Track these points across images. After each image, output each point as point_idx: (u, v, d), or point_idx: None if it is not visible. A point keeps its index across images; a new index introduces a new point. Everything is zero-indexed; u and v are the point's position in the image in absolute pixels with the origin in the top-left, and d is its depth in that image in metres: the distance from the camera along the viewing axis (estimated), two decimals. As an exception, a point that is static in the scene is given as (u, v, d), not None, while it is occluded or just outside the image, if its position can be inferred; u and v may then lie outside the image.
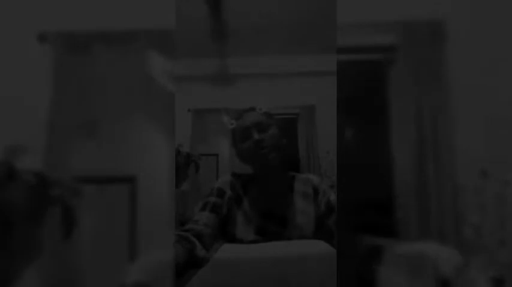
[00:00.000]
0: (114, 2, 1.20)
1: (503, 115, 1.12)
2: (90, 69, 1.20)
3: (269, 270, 0.62)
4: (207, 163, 2.87)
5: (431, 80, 1.17)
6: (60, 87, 1.19)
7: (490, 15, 1.16)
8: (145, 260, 0.68)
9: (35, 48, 1.18)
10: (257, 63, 3.05)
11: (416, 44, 1.19)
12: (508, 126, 1.11)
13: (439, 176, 1.13)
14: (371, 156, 1.35)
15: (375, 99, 1.29)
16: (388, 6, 1.19)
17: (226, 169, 2.85)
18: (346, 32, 1.19)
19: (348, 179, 1.11)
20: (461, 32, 1.16)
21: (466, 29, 1.15)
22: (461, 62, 1.15)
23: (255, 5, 2.37)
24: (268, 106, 1.07)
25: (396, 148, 1.18)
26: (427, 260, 0.75)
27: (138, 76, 1.20)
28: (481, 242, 1.07)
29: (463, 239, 1.08)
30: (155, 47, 1.20)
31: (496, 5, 1.16)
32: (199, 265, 0.67)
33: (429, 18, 1.19)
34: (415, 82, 1.18)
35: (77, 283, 1.06)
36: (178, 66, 1.47)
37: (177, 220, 2.08)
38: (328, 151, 2.87)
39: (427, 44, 1.19)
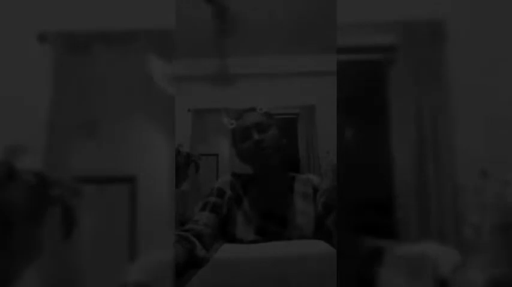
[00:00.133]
0: (114, 2, 1.20)
1: (503, 115, 1.12)
2: (90, 69, 1.20)
3: (269, 270, 0.62)
4: (207, 163, 2.87)
5: (431, 80, 1.17)
6: (60, 87, 1.19)
7: (490, 15, 1.16)
8: (145, 260, 0.68)
9: (35, 48, 1.18)
10: (257, 63, 3.05)
11: (416, 44, 1.19)
12: (508, 126, 1.11)
13: (439, 176, 1.13)
14: (371, 156, 1.35)
15: (375, 99, 1.29)
16: (388, 6, 1.19)
17: (226, 169, 2.85)
18: (346, 32, 1.19)
19: (348, 179, 1.10)
20: (461, 32, 1.16)
21: (466, 29, 1.15)
22: (461, 62, 1.15)
23: (256, 4, 2.37)
24: (268, 106, 1.07)
25: (396, 148, 1.18)
26: (427, 261, 0.75)
27: (138, 76, 1.20)
28: (481, 242, 1.07)
29: (463, 239, 1.08)
30: (155, 47, 1.20)
31: (496, 5, 1.16)
32: (199, 265, 0.67)
33: (429, 18, 1.19)
34: (415, 82, 1.18)
35: (77, 283, 1.06)
36: (178, 66, 1.47)
37: (177, 220, 2.08)
38: (328, 150, 2.86)
39: (427, 44, 1.18)
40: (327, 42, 2.53)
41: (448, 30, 1.17)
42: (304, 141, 3.00)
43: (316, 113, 3.04)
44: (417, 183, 1.14)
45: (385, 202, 1.15)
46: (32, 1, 1.19)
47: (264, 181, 0.96)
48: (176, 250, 0.67)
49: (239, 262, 0.65)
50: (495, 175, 1.09)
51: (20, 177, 0.66)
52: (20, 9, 1.19)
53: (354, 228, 1.14)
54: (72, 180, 0.94)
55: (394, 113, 1.19)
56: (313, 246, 0.76)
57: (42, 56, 1.18)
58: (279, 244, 0.76)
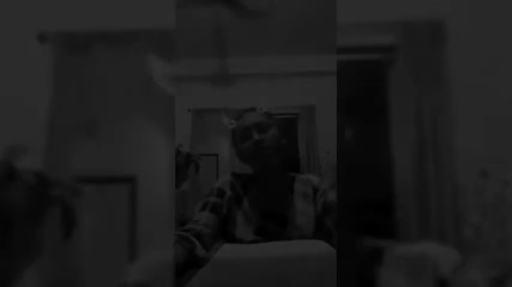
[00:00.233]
0: (114, 2, 1.20)
1: (503, 115, 1.12)
2: (90, 69, 1.20)
3: (269, 270, 0.62)
4: (207, 163, 2.87)
5: (431, 80, 1.17)
6: (60, 87, 1.19)
7: (490, 15, 1.16)
8: (145, 260, 0.68)
9: (35, 48, 1.18)
10: (257, 63, 3.04)
11: (416, 44, 1.19)
12: (508, 126, 1.11)
13: (439, 176, 1.13)
14: (371, 156, 1.35)
15: (375, 99, 1.29)
16: (388, 6, 1.19)
17: (226, 169, 2.85)
18: (346, 32, 1.19)
19: (348, 179, 1.10)
20: (461, 32, 1.16)
21: (466, 29, 1.15)
22: (461, 62, 1.15)
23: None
24: (268, 106, 1.07)
25: (396, 148, 1.18)
26: (426, 261, 0.75)
27: (138, 76, 1.20)
28: (481, 242, 1.07)
29: (463, 239, 1.08)
30: (155, 47, 1.20)
31: (496, 5, 1.16)
32: (199, 265, 0.67)
33: (429, 18, 1.19)
34: (415, 82, 1.18)
35: (77, 283, 1.06)
36: (178, 66, 1.47)
37: (177, 220, 2.08)
38: (328, 150, 2.86)
39: (427, 44, 1.18)
40: (327, 42, 2.53)
41: (448, 30, 1.17)
42: (304, 141, 3.00)
43: (316, 113, 3.04)
44: (417, 183, 1.14)
45: (385, 202, 1.15)
46: (32, 1, 1.19)
47: (264, 181, 0.96)
48: (176, 249, 0.67)
49: (239, 262, 0.65)
50: (495, 175, 1.09)
51: (20, 177, 0.66)
52: (20, 9, 1.19)
53: (353, 228, 1.14)
54: (72, 180, 0.94)
55: (394, 113, 1.19)
56: (313, 246, 0.76)
57: (42, 56, 1.18)
58: (279, 244, 0.76)
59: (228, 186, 0.96)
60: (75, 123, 1.17)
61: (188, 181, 2.64)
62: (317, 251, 0.71)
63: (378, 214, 1.20)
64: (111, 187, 1.13)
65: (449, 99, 1.16)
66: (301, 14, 2.52)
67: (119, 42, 1.21)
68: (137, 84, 1.20)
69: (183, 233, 0.77)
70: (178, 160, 2.41)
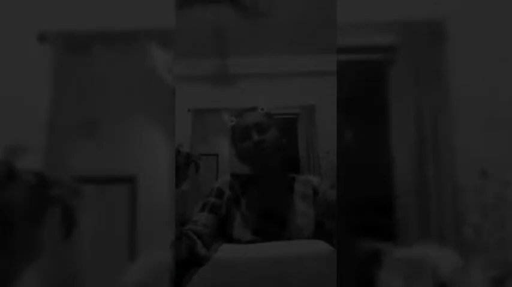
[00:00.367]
0: (114, 2, 1.20)
1: (503, 115, 1.12)
2: (90, 69, 1.20)
3: (268, 270, 0.62)
4: (207, 163, 2.87)
5: (431, 80, 1.17)
6: (60, 87, 1.19)
7: (490, 15, 1.16)
8: (145, 260, 0.68)
9: (35, 48, 1.18)
10: (257, 63, 3.04)
11: (416, 44, 1.19)
12: (508, 126, 1.11)
13: (439, 176, 1.13)
14: (371, 156, 1.35)
15: (375, 99, 1.29)
16: (388, 6, 1.19)
17: (226, 169, 2.85)
18: (346, 32, 1.18)
19: (348, 179, 1.10)
20: (461, 32, 1.16)
21: (466, 29, 1.15)
22: (461, 62, 1.15)
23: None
24: (268, 106, 1.07)
25: (396, 148, 1.17)
26: (426, 264, 0.75)
27: (138, 76, 1.20)
28: (481, 242, 1.07)
29: (463, 239, 1.08)
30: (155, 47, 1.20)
31: (496, 5, 1.16)
32: (200, 264, 0.67)
33: (429, 18, 1.19)
34: (415, 82, 1.18)
35: (77, 283, 1.06)
36: (178, 66, 1.47)
37: (177, 220, 2.08)
38: (328, 150, 2.86)
39: (427, 44, 1.18)
40: (327, 42, 2.53)
41: (448, 30, 1.17)
42: (304, 141, 2.99)
43: (316, 113, 3.04)
44: (417, 183, 1.14)
45: (385, 202, 1.15)
46: (32, 1, 1.19)
47: (263, 182, 0.96)
48: (177, 246, 0.67)
49: (239, 262, 0.65)
50: (495, 175, 1.09)
51: (20, 177, 0.66)
52: (20, 9, 1.19)
53: (353, 228, 1.14)
54: (72, 180, 0.94)
55: (394, 113, 1.19)
56: (313, 246, 0.76)
57: (42, 56, 1.18)
58: (278, 244, 0.76)
59: (227, 186, 0.96)
60: (75, 123, 1.17)
61: (188, 181, 2.63)
62: (317, 251, 0.71)
63: (378, 214, 1.20)
64: (111, 187, 1.13)
65: (449, 99, 1.16)
66: (301, 14, 2.51)
67: (119, 42, 1.21)
68: (137, 84, 1.20)
69: (183, 229, 0.78)
70: (178, 160, 2.41)
